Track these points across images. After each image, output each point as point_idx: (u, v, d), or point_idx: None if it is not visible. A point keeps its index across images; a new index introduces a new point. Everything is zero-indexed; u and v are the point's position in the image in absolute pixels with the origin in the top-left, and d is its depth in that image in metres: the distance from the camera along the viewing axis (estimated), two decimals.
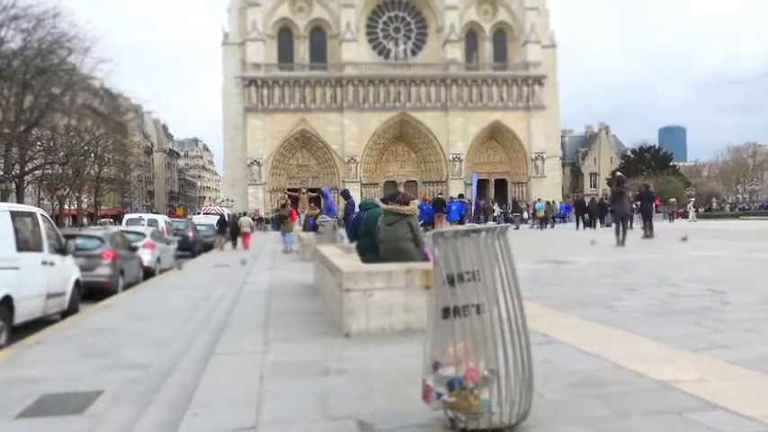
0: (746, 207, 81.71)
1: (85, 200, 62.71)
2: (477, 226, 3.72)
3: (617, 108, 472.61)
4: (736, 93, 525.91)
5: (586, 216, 36.29)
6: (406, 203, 8.53)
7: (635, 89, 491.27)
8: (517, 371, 3.53)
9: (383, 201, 9.25)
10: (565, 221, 50.24)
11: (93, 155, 53.27)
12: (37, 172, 44.75)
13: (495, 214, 42.32)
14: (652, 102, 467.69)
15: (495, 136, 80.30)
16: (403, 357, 5.46)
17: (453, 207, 29.17)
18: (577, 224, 36.88)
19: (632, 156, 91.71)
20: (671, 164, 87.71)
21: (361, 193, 65.80)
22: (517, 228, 38.43)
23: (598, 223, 35.03)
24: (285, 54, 78.77)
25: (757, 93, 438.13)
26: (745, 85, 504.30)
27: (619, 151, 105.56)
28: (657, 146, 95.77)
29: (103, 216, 66.49)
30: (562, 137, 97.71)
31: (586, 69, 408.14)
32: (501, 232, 3.65)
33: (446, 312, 3.56)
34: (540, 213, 41.34)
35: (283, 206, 27.63)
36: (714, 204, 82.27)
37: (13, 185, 39.24)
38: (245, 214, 42.16)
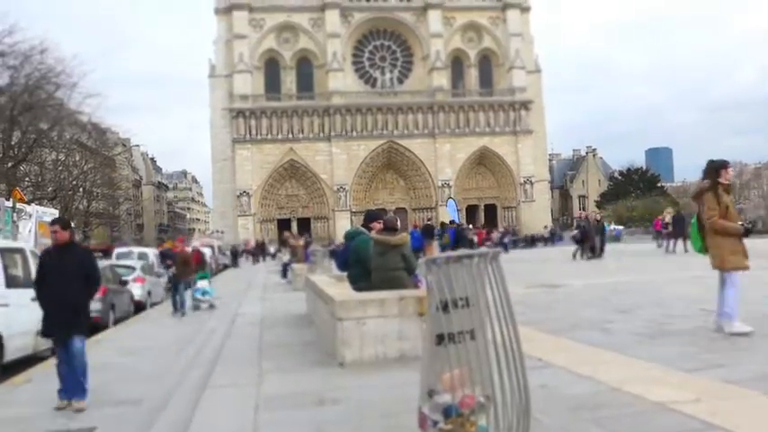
0: None
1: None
2: (470, 251, 3.71)
3: (614, 132, 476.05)
4: (740, 116, 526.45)
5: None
6: (394, 229, 8.44)
7: (641, 113, 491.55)
8: (513, 396, 3.50)
9: (364, 225, 9.14)
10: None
11: (81, 189, 53.01)
12: None
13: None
14: (653, 124, 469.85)
15: (484, 161, 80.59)
16: (398, 386, 5.41)
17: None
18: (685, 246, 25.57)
19: (620, 177, 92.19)
20: (658, 185, 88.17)
21: (351, 221, 65.68)
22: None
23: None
24: (272, 85, 79.04)
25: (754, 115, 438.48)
26: (747, 107, 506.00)
27: (606, 173, 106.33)
28: (645, 167, 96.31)
29: (93, 251, 65.91)
30: (550, 160, 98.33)
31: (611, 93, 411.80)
32: (493, 257, 3.65)
33: (440, 339, 3.53)
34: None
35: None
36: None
37: None
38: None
